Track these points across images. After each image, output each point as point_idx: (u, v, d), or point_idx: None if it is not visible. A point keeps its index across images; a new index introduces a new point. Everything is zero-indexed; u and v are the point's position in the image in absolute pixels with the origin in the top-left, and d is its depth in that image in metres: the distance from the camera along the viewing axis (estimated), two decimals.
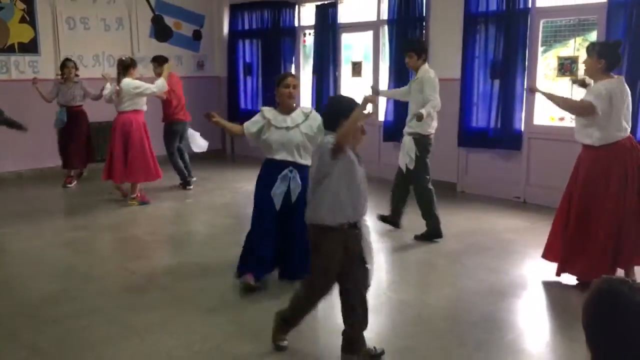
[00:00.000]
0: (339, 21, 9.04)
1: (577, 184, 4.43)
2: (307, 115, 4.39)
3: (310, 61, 9.61)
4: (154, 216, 6.99)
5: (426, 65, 5.67)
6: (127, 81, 6.97)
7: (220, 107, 10.89)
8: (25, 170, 8.83)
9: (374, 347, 3.40)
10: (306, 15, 9.72)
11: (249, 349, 3.52)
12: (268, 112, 4.43)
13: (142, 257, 5.33)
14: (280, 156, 4.35)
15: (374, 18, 8.59)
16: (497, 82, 7.16)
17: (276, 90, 4.39)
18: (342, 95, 3.67)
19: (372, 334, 3.70)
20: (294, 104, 4.46)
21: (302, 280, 3.47)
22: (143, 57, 9.69)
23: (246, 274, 4.35)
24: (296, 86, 4.39)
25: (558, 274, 4.52)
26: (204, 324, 3.88)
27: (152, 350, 3.53)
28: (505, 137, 7.12)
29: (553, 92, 4.82)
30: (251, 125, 4.43)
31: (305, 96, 9.78)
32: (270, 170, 4.40)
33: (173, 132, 7.88)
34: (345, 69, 9.20)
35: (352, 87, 9.16)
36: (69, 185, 8.28)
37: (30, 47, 8.85)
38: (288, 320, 3.44)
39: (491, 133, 7.22)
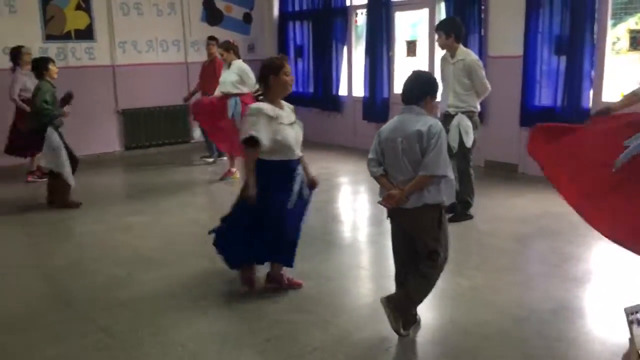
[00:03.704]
0: None
1: None
2: (292, 109, 4.03)
3: (363, 41, 9.44)
4: (213, 200, 7.02)
5: (462, 47, 5.63)
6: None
7: None
8: (84, 155, 8.94)
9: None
10: None
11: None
12: (269, 109, 3.80)
13: (205, 242, 5.30)
14: (294, 155, 3.93)
15: None
16: (563, 59, 6.85)
17: (273, 79, 3.82)
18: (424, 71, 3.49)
19: (446, 321, 3.60)
20: None
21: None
22: (195, 41, 9.77)
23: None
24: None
25: None
26: (273, 308, 3.84)
27: (223, 332, 3.51)
28: (571, 116, 6.79)
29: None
30: (264, 134, 3.74)
31: (358, 77, 9.64)
32: (283, 172, 3.89)
33: None
34: (400, 49, 8.99)
35: (406, 67, 8.97)
36: (31, 181, 7.72)
37: (86, 34, 8.96)
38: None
39: (557, 112, 6.92)
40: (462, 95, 5.43)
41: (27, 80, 7.32)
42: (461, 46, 5.59)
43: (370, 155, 3.36)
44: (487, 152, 7.61)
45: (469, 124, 5.36)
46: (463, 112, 5.40)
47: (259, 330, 3.57)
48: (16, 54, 7.57)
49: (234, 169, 7.65)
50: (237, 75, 7.33)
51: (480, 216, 5.73)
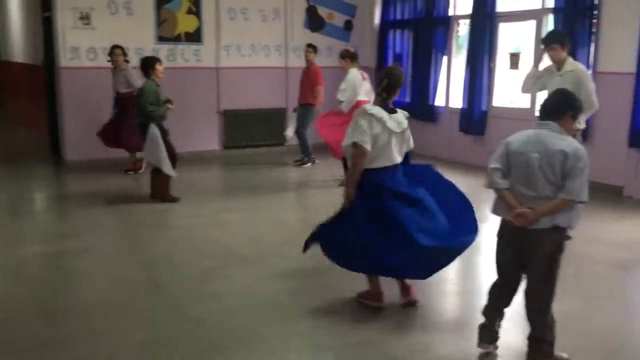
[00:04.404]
0: (497, 10, 8.62)
1: None
2: None
3: (463, 51, 9.27)
4: (304, 203, 7.14)
5: (570, 58, 5.46)
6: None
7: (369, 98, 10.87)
8: (186, 152, 9.35)
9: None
10: (462, 4, 9.36)
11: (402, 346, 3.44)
12: None
13: (294, 242, 5.41)
14: None
15: (537, 6, 8.06)
16: None
17: (398, 90, 3.97)
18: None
19: None
20: None
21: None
22: (296, 47, 9.99)
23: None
24: None
25: None
26: (355, 315, 3.85)
27: (305, 333, 3.56)
28: None
29: None
30: None
31: (458, 88, 9.47)
32: None
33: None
34: (502, 61, 8.75)
35: (508, 80, 8.71)
36: (131, 173, 8.15)
37: (195, 37, 9.39)
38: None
39: None
40: None
41: (119, 77, 7.95)
42: (569, 57, 5.39)
43: (494, 165, 3.15)
44: (590, 172, 7.20)
45: None
46: None
47: (340, 334, 3.60)
48: (110, 53, 8.04)
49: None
50: (344, 84, 7.46)
51: (578, 239, 5.42)
